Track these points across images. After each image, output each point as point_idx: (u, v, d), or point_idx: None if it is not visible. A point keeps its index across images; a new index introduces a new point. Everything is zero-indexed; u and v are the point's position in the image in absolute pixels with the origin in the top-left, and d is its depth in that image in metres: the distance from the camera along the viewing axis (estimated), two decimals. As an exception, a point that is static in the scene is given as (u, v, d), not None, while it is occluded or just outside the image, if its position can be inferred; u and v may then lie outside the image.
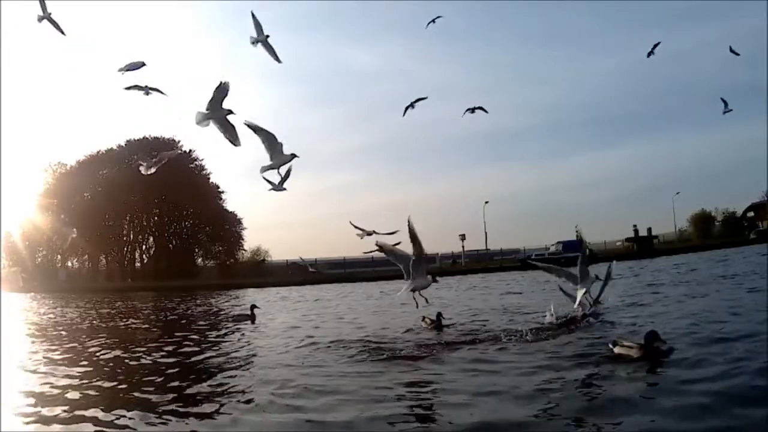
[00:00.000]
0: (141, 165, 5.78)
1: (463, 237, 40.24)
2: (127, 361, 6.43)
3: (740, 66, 70.72)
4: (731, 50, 10.79)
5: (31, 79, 67.51)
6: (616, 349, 4.73)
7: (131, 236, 46.97)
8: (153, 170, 5.61)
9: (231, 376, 5.19)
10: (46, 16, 6.04)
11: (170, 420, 3.79)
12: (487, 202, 45.83)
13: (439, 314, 7.65)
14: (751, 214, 49.82)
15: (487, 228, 45.49)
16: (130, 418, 3.83)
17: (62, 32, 6.19)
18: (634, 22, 72.16)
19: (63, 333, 9.79)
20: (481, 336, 6.54)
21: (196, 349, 7.23)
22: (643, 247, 39.58)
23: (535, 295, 12.61)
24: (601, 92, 75.81)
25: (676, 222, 50.17)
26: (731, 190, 69.89)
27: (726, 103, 10.11)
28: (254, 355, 6.37)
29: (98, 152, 45.59)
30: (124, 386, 4.88)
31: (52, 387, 4.91)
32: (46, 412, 4.06)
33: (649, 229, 43.06)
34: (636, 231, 42.53)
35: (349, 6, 75.73)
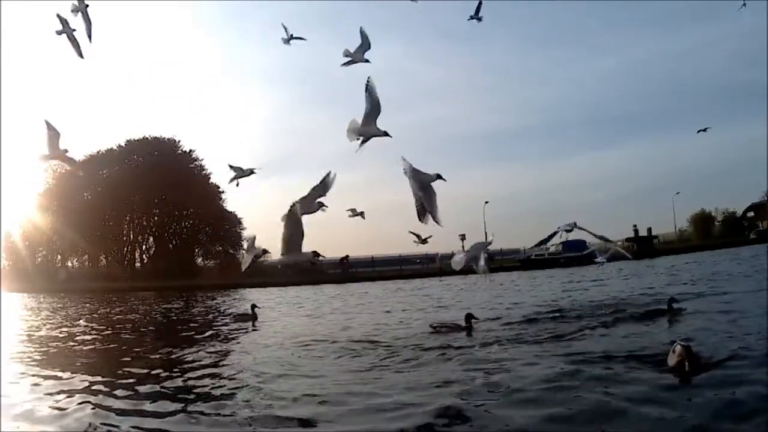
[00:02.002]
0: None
1: (463, 237, 40.16)
2: (121, 358, 6.43)
3: (740, 66, 70.82)
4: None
5: (31, 80, 67.46)
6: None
7: (131, 236, 46.97)
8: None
9: (228, 377, 5.19)
10: (66, 32, 5.44)
11: (161, 419, 3.79)
12: (487, 202, 45.70)
13: (469, 315, 7.09)
14: (751, 214, 49.84)
15: (487, 228, 45.43)
16: (117, 417, 3.84)
17: (81, 54, 5.53)
18: (634, 22, 72.19)
19: (56, 331, 9.79)
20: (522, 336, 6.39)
21: (197, 348, 7.23)
22: (643, 247, 39.56)
23: (546, 294, 12.62)
24: (601, 92, 75.77)
25: (676, 222, 50.23)
26: (731, 190, 69.89)
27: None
28: (253, 355, 6.37)
29: (98, 152, 45.56)
30: (116, 384, 4.88)
31: (42, 386, 4.91)
32: (37, 411, 4.06)
33: (649, 229, 43.05)
34: (636, 231, 42.50)
35: (349, 6, 75.67)
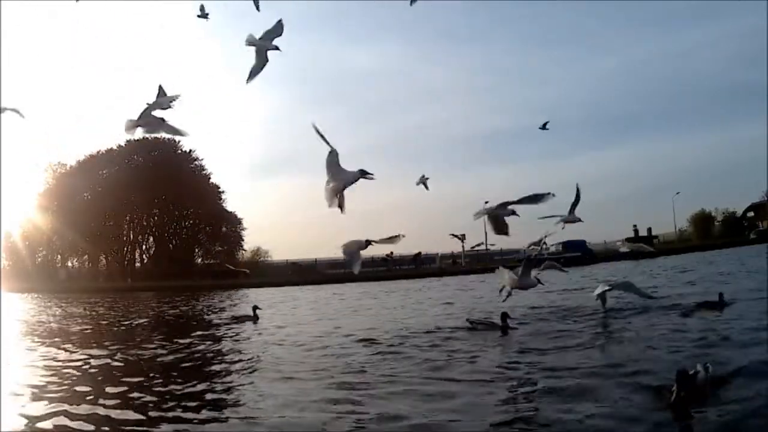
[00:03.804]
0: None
1: (463, 237, 40.23)
2: (125, 360, 6.43)
3: (740, 66, 70.86)
4: None
5: (31, 80, 67.41)
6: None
7: (131, 236, 46.95)
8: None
9: (231, 377, 5.18)
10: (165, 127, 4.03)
11: (164, 421, 3.79)
12: (487, 202, 45.08)
13: (505, 314, 6.98)
14: (751, 214, 49.87)
15: (487, 228, 45.38)
16: (124, 418, 3.83)
17: (183, 134, 4.05)
18: (634, 22, 72.24)
19: (61, 332, 9.78)
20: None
21: (200, 349, 7.23)
22: (643, 247, 39.54)
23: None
24: (601, 92, 75.80)
25: (676, 222, 50.28)
26: (731, 190, 69.95)
27: None
28: (253, 357, 6.36)
29: (98, 152, 45.55)
30: (120, 386, 4.87)
31: (45, 387, 4.90)
32: (42, 411, 4.04)
33: (649, 229, 43.11)
34: (636, 231, 42.56)
35: (348, 6, 75.67)
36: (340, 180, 3.21)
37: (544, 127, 6.69)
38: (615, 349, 5.42)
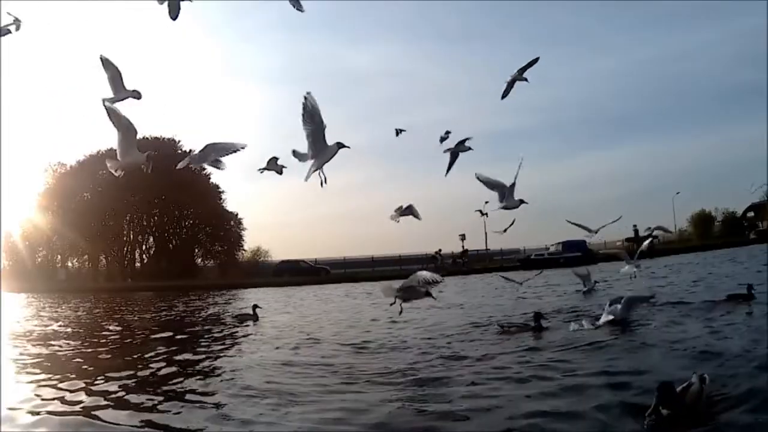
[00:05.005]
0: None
1: (463, 237, 40.25)
2: (124, 359, 6.43)
3: (740, 66, 70.85)
4: None
5: (31, 80, 67.43)
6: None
7: (131, 236, 46.94)
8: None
9: (226, 378, 5.18)
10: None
11: (162, 420, 3.79)
12: (487, 202, 44.27)
13: (538, 314, 6.90)
14: (751, 214, 49.86)
15: (487, 228, 45.35)
16: (117, 418, 3.83)
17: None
18: (634, 22, 72.23)
19: (63, 332, 9.78)
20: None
21: (201, 348, 7.23)
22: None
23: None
24: (601, 92, 75.81)
25: (676, 222, 50.31)
26: (731, 190, 69.98)
27: None
28: (253, 356, 6.37)
29: (98, 152, 45.48)
30: (118, 384, 4.88)
31: (42, 388, 4.89)
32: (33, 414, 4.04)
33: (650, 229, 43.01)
34: (636, 231, 42.41)
35: (348, 6, 75.66)
36: (323, 157, 3.31)
37: (398, 132, 6.50)
38: (617, 354, 5.11)
